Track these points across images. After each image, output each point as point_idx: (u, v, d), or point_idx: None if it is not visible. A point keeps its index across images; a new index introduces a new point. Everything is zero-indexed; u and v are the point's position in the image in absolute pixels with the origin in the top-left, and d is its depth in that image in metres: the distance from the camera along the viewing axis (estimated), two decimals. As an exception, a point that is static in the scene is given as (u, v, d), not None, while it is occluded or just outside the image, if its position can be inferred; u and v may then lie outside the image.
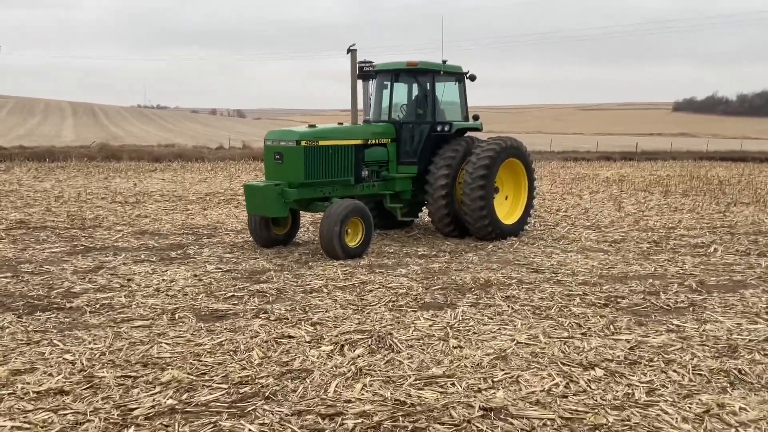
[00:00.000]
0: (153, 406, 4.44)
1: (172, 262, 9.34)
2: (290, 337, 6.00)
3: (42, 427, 4.07)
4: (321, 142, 10.28)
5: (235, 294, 7.59)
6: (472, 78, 12.09)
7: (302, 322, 6.44)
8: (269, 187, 9.86)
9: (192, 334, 6.03)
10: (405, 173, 11.62)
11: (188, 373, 5.03)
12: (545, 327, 6.43)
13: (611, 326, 6.49)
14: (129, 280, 8.20)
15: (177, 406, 4.46)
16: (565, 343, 5.92)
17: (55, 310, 6.80)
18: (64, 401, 4.45)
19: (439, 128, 11.56)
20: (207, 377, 5.00)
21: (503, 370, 5.24)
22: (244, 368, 5.20)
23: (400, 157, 11.68)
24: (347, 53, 10.84)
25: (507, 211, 12.01)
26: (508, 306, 7.21)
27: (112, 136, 54.70)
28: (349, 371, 5.12)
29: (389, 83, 11.87)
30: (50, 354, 5.38)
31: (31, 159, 28.93)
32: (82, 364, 5.16)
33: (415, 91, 11.89)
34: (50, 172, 23.82)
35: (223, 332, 6.11)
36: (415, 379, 5.01)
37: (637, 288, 8.11)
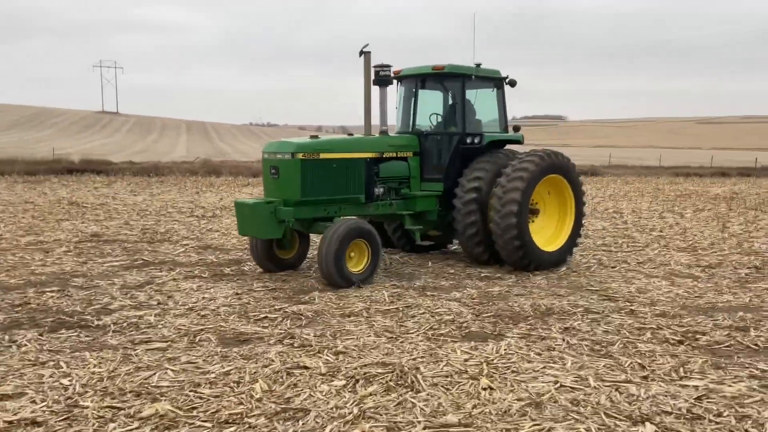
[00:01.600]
0: (121, 445, 4.00)
1: (221, 279, 9.05)
2: (305, 367, 5.44)
3: (-11, 466, 3.71)
4: (323, 155, 9.05)
5: (269, 316, 7.14)
6: (512, 84, 10.64)
7: (325, 351, 5.86)
8: (260, 205, 8.72)
9: (204, 360, 5.60)
10: (429, 191, 10.24)
11: (177, 407, 4.57)
12: (599, 367, 5.52)
13: (681, 369, 5.48)
14: (169, 297, 7.95)
15: (147, 447, 4.00)
16: (617, 389, 5.01)
17: (80, 328, 6.59)
18: (30, 434, 4.10)
19: (468, 140, 10.14)
20: (195, 412, 4.52)
21: (533, 421, 4.42)
22: (241, 403, 4.69)
23: (424, 172, 10.33)
24: (360, 56, 9.61)
25: (549, 237, 10.33)
26: (564, 339, 6.33)
27: (219, 152, 56.90)
28: (350, 413, 4.48)
29: (414, 90, 10.56)
30: (49, 377, 5.09)
31: (138, 174, 30.26)
32: (74, 390, 4.82)
33: (444, 99, 10.60)
34: (148, 187, 24.70)
35: (236, 359, 5.64)
36: (424, 428, 4.30)
37: (723, 322, 6.98)
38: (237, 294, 8.14)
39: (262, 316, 7.13)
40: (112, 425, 4.28)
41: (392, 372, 5.29)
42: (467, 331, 6.66)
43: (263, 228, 8.72)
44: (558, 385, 5.09)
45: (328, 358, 5.69)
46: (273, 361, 5.57)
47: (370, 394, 4.85)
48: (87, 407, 4.51)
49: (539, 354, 5.89)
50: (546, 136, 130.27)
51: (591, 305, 7.71)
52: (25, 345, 5.95)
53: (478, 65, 10.30)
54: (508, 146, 10.77)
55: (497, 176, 9.77)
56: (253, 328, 6.65)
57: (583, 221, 10.71)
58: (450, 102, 10.43)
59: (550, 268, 9.92)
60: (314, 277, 9.37)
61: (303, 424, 4.35)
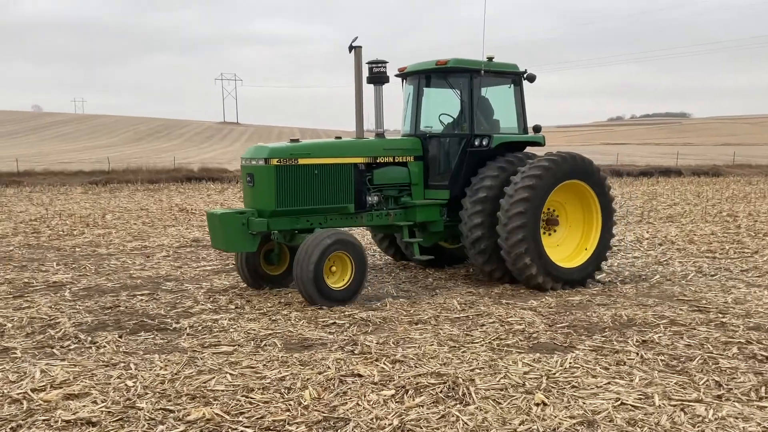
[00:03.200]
0: (164, 448, 4.14)
1: (301, 285, 9.20)
2: (359, 375, 5.41)
3: (39, 461, 3.94)
4: (302, 161, 8.21)
5: (337, 321, 7.18)
6: (531, 79, 9.49)
7: (382, 359, 5.81)
8: (230, 216, 7.99)
9: (264, 365, 5.71)
10: (433, 199, 9.24)
11: (225, 412, 4.68)
12: (669, 385, 5.13)
13: (762, 389, 4.99)
14: (248, 301, 8.19)
15: (187, 450, 4.11)
16: (683, 409, 4.63)
17: (158, 330, 6.91)
18: (84, 433, 4.33)
19: (477, 142, 9.09)
20: (241, 417, 4.61)
21: (582, 441, 4.17)
22: (288, 410, 4.73)
23: (429, 179, 9.32)
24: (349, 51, 8.68)
25: (571, 251, 9.19)
26: (638, 353, 5.93)
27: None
28: (389, 425, 4.41)
29: (418, 89, 9.54)
30: (116, 378, 5.36)
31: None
32: (135, 392, 5.06)
33: (454, 98, 9.46)
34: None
35: (294, 365, 5.71)
36: (463, 443, 4.16)
37: (826, 339, 6.30)
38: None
39: (331, 321, 7.18)
40: (160, 427, 4.44)
41: (444, 383, 5.16)
42: (535, 342, 6.40)
43: (234, 241, 8.02)
44: (618, 402, 4.77)
45: (384, 366, 5.64)
46: (329, 367, 5.59)
47: (416, 406, 4.75)
48: (142, 409, 4.71)
49: (607, 368, 5.55)
50: (665, 135, 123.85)
51: (678, 317, 7.20)
52: (104, 346, 6.31)
53: (490, 59, 9.19)
54: (529, 149, 9.65)
55: (508, 184, 8.74)
56: (318, 334, 6.72)
57: (614, 232, 9.60)
58: (457, 100, 9.37)
59: (572, 286, 8.82)
60: (391, 283, 9.36)
61: (341, 433, 4.33)
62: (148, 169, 34.66)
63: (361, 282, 8.04)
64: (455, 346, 6.23)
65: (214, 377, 5.40)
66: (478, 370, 5.52)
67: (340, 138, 9.21)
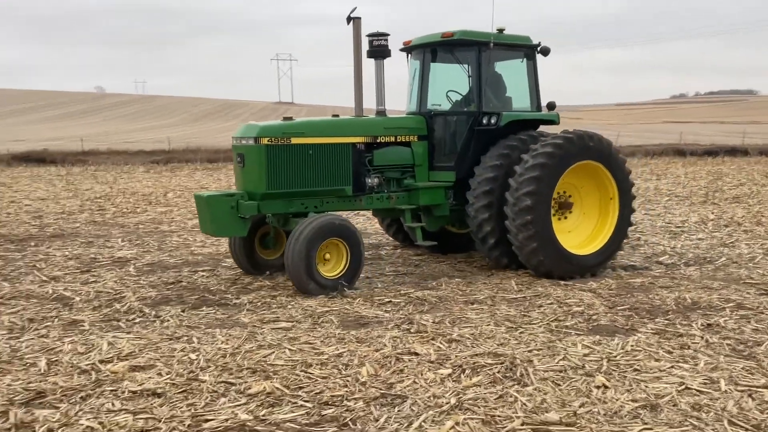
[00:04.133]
0: (226, 420, 4.24)
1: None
2: (415, 354, 5.43)
3: (110, 430, 4.09)
4: (294, 140, 7.75)
5: (393, 300, 7.21)
6: (545, 52, 8.93)
7: (439, 338, 5.81)
8: (217, 198, 7.61)
9: (321, 341, 5.78)
10: (438, 182, 8.73)
11: (285, 386, 4.76)
12: (736, 369, 4.97)
13: (838, 378, 4.78)
14: (305, 279, 8.29)
15: (248, 423, 4.20)
16: (751, 395, 4.48)
17: (218, 305, 7.07)
18: (150, 404, 4.46)
19: (485, 121, 8.51)
20: (300, 392, 4.68)
21: (644, 425, 4.08)
22: (345, 385, 4.78)
23: (434, 160, 8.79)
24: (348, 22, 8.16)
25: (586, 237, 8.61)
26: (703, 337, 5.76)
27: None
28: (447, 403, 4.41)
29: (423, 64, 8.92)
30: (180, 351, 5.51)
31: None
32: (198, 365, 5.19)
33: (459, 74, 8.86)
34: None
35: (351, 342, 5.76)
36: (522, 424, 4.12)
37: None
38: (368, 278, 8.31)
39: (387, 300, 7.21)
40: (222, 399, 4.55)
41: (502, 363, 5.13)
42: (595, 324, 6.29)
43: (222, 225, 7.62)
44: (682, 387, 4.65)
45: (440, 345, 5.64)
46: (385, 345, 5.62)
47: (473, 385, 4.73)
48: (204, 381, 4.83)
49: (670, 352, 5.42)
50: (731, 113, 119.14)
51: (745, 300, 6.96)
52: (168, 320, 6.49)
53: (501, 30, 8.64)
54: (543, 128, 9.03)
55: (519, 164, 8.15)
56: (374, 312, 6.76)
57: (632, 218, 8.90)
58: (464, 75, 8.74)
59: (583, 274, 8.23)
60: (446, 263, 9.33)
61: (398, 410, 4.35)
62: (207, 149, 35.37)
63: (356, 271, 7.66)
64: (512, 327, 6.17)
65: (273, 352, 5.49)
66: (536, 351, 5.46)
67: (337, 116, 8.69)
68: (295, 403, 4.51)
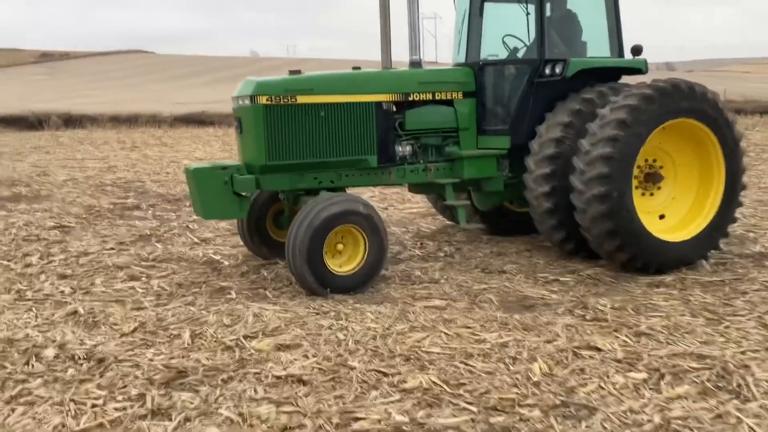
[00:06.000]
0: (379, 420, 3.65)
1: (513, 233, 8.40)
2: (596, 349, 4.57)
3: (249, 425, 3.64)
4: (301, 99, 6.23)
5: (559, 278, 6.35)
6: None
7: (623, 330, 4.90)
8: (207, 172, 6.15)
9: (481, 326, 5.06)
10: (488, 149, 7.04)
11: (444, 381, 4.11)
12: None
13: None
14: (457, 249, 7.62)
15: (404, 427, 3.59)
16: None
17: (367, 277, 6.55)
18: (295, 393, 3.98)
19: (548, 71, 6.80)
20: (462, 390, 4.00)
21: None
22: (515, 385, 4.05)
23: (484, 121, 7.07)
24: None
25: (680, 219, 6.74)
26: None
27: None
28: (648, 421, 3.54)
29: (473, 4, 7.28)
30: (327, 329, 5.02)
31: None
32: (346, 347, 4.66)
33: (517, 13, 7.04)
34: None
35: (516, 328, 4.99)
36: (754, 459, 3.19)
37: None
38: (528, 250, 7.46)
39: (552, 278, 6.36)
40: (373, 393, 3.98)
41: (710, 369, 4.15)
42: (824, 319, 5.07)
43: (214, 205, 6.16)
44: None
45: (626, 339, 4.73)
46: (559, 336, 4.80)
47: (678, 397, 3.82)
48: (354, 368, 4.29)
49: None
50: None
51: None
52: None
53: None
54: (624, 79, 7.26)
55: (592, 121, 6.43)
56: (539, 292, 5.94)
57: (741, 195, 6.93)
58: (521, 16, 6.97)
59: (674, 267, 6.43)
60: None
61: (587, 426, 3.55)
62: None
63: (376, 267, 6.13)
64: (713, 319, 5.12)
65: (428, 336, 4.86)
66: (751, 354, 4.42)
67: (359, 68, 7.00)
68: (457, 404, 3.83)
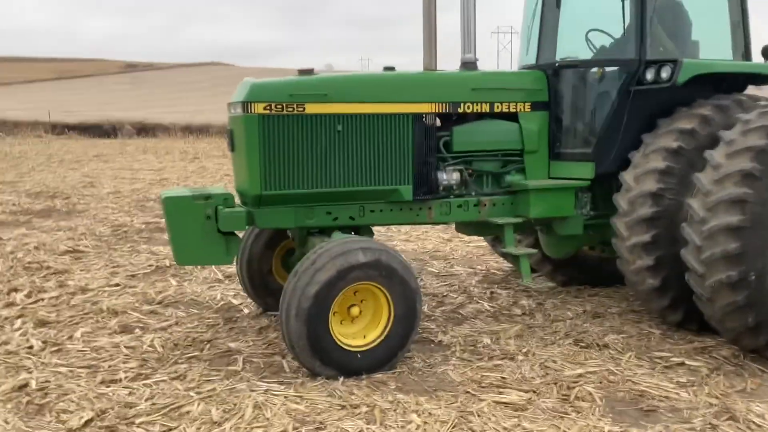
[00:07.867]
0: None
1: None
2: None
3: None
4: (311, 108, 4.61)
5: (685, 361, 4.56)
6: None
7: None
8: (182, 201, 4.54)
9: None
10: (564, 178, 5.30)
11: None
12: None
13: None
14: (539, 304, 5.94)
15: None
16: None
17: (417, 343, 4.96)
18: None
19: (649, 76, 5.00)
20: None
21: None
22: None
23: (557, 142, 5.36)
24: None
25: None
26: None
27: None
28: None
29: None
30: (351, 438, 3.47)
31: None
32: None
33: (605, 4, 5.42)
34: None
35: None
36: None
37: None
38: (634, 311, 5.69)
39: (675, 360, 4.59)
40: None
41: None
42: None
43: (189, 246, 4.55)
44: None
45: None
46: None
47: None
48: None
49: None
50: None
51: None
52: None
53: None
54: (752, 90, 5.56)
55: (711, 148, 4.64)
56: (661, 385, 4.18)
57: None
58: (614, 8, 5.25)
59: None
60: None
61: None
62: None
63: (404, 340, 4.43)
64: None
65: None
66: None
67: (392, 69, 5.25)
68: None
